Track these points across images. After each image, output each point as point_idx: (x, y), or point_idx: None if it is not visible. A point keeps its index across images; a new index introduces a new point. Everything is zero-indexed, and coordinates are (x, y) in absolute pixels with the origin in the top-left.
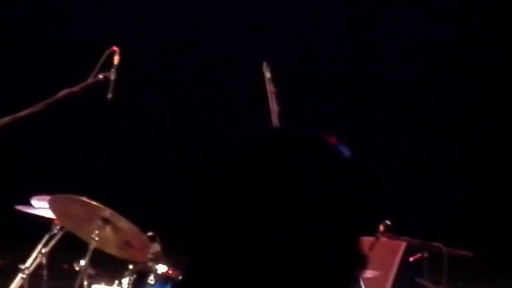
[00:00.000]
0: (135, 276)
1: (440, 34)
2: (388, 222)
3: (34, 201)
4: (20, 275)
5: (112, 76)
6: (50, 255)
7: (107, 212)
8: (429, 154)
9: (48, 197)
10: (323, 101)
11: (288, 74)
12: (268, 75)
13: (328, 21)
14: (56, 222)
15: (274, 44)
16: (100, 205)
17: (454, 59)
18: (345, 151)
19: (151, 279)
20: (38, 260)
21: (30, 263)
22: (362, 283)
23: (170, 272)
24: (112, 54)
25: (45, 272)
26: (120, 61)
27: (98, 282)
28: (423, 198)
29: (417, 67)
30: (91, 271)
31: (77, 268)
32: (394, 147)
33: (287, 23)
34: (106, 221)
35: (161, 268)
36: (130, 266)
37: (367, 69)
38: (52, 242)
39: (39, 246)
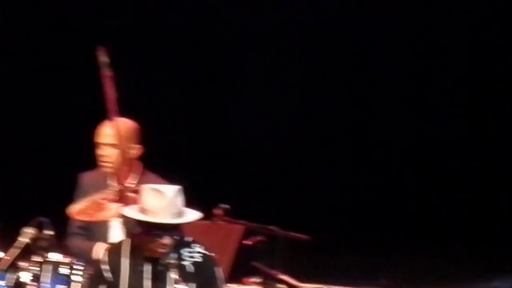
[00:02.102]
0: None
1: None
2: (226, 206)
3: None
4: None
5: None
6: None
7: None
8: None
9: None
10: (165, 86)
11: (129, 58)
12: (103, 59)
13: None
14: None
15: (113, 28)
16: None
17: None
18: None
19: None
20: None
21: None
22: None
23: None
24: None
25: None
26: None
27: None
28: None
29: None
30: None
31: None
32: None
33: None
34: None
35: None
36: None
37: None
38: None
39: None
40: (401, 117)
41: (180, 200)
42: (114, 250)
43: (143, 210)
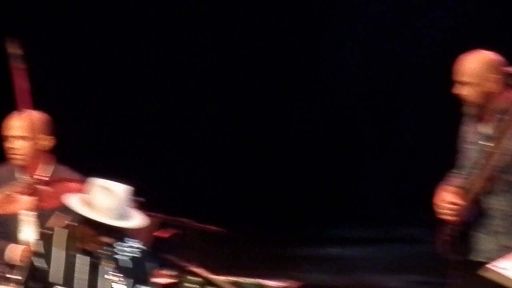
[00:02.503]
0: None
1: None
2: (140, 199)
3: None
4: None
5: None
6: None
7: None
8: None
9: None
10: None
11: (41, 50)
12: (14, 51)
13: None
14: None
15: (26, 20)
16: None
17: None
18: None
19: None
20: None
21: None
22: None
23: None
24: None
25: None
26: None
27: None
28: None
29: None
30: None
31: None
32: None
33: None
34: None
35: None
36: None
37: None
38: None
39: None
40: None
41: (128, 201)
42: (46, 240)
43: (91, 206)
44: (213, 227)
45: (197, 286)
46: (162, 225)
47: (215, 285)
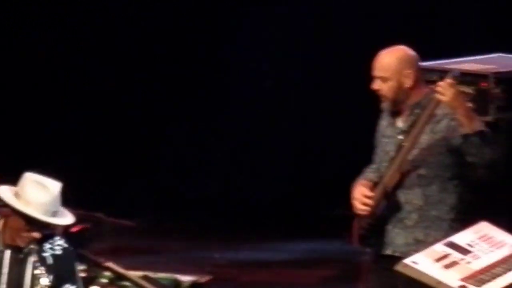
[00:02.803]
0: None
1: None
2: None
3: None
4: None
5: None
6: None
7: None
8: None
9: None
10: None
11: None
12: None
13: None
14: None
15: None
16: None
17: None
18: None
19: None
20: None
21: None
22: None
23: None
24: None
25: None
26: None
27: None
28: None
29: None
30: None
31: None
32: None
33: None
34: None
35: None
36: None
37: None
38: None
39: None
40: None
41: (60, 197)
42: None
43: (24, 200)
44: (126, 221)
45: (109, 281)
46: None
47: (128, 279)
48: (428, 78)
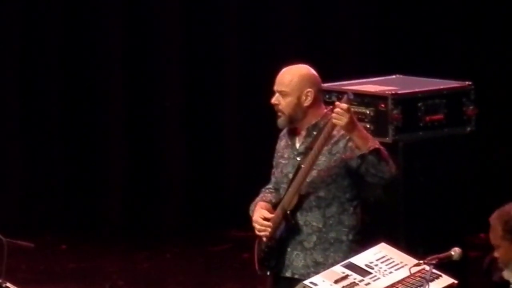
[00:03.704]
0: None
1: None
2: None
3: None
4: None
5: None
6: None
7: None
8: None
9: None
10: None
11: None
12: None
13: None
14: None
15: None
16: None
17: None
18: None
19: None
20: None
21: None
22: None
23: None
24: None
25: None
26: None
27: None
28: None
29: None
30: None
31: None
32: None
33: None
34: None
35: None
36: None
37: None
38: None
39: None
40: None
41: None
42: None
43: None
44: (25, 242)
45: None
46: None
47: None
48: (326, 99)
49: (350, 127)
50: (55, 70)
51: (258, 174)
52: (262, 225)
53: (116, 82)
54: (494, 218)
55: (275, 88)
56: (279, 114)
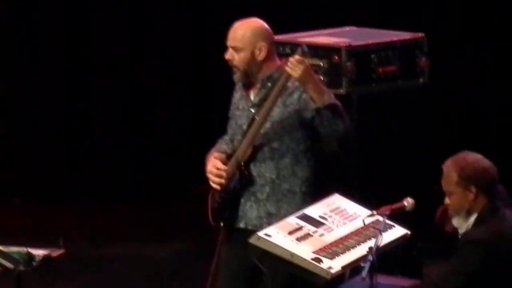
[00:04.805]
0: None
1: None
2: None
3: None
4: None
5: None
6: None
7: None
8: None
9: None
10: None
11: None
12: None
13: None
14: None
15: None
16: None
17: None
18: None
19: None
20: None
21: None
22: None
23: None
24: None
25: None
26: None
27: None
28: None
29: None
30: None
31: None
32: None
33: None
34: None
35: None
36: None
37: None
38: None
39: None
40: None
41: None
42: None
43: None
44: None
45: None
46: None
47: None
48: (280, 51)
49: (305, 78)
50: None
51: (216, 127)
52: (215, 175)
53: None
54: (449, 165)
55: (228, 43)
56: (234, 69)
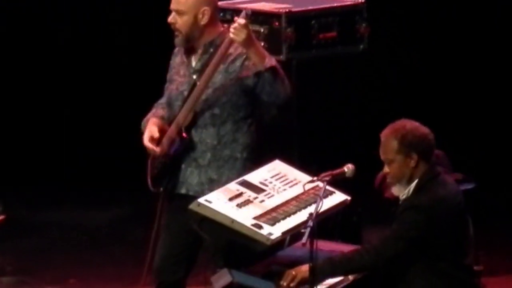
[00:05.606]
0: None
1: None
2: None
3: None
4: None
5: None
6: None
7: None
8: None
9: None
10: None
11: None
12: None
13: None
14: None
15: None
16: None
17: None
18: None
19: None
20: None
21: None
22: None
23: None
24: None
25: None
26: None
27: None
28: None
29: None
30: None
31: None
32: None
33: None
34: None
35: None
36: None
37: None
38: None
39: None
40: None
41: None
42: None
43: None
44: None
45: None
46: None
47: None
48: (222, 17)
49: (247, 43)
50: None
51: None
52: (150, 141)
53: None
54: (388, 133)
55: (172, 7)
56: (176, 33)
